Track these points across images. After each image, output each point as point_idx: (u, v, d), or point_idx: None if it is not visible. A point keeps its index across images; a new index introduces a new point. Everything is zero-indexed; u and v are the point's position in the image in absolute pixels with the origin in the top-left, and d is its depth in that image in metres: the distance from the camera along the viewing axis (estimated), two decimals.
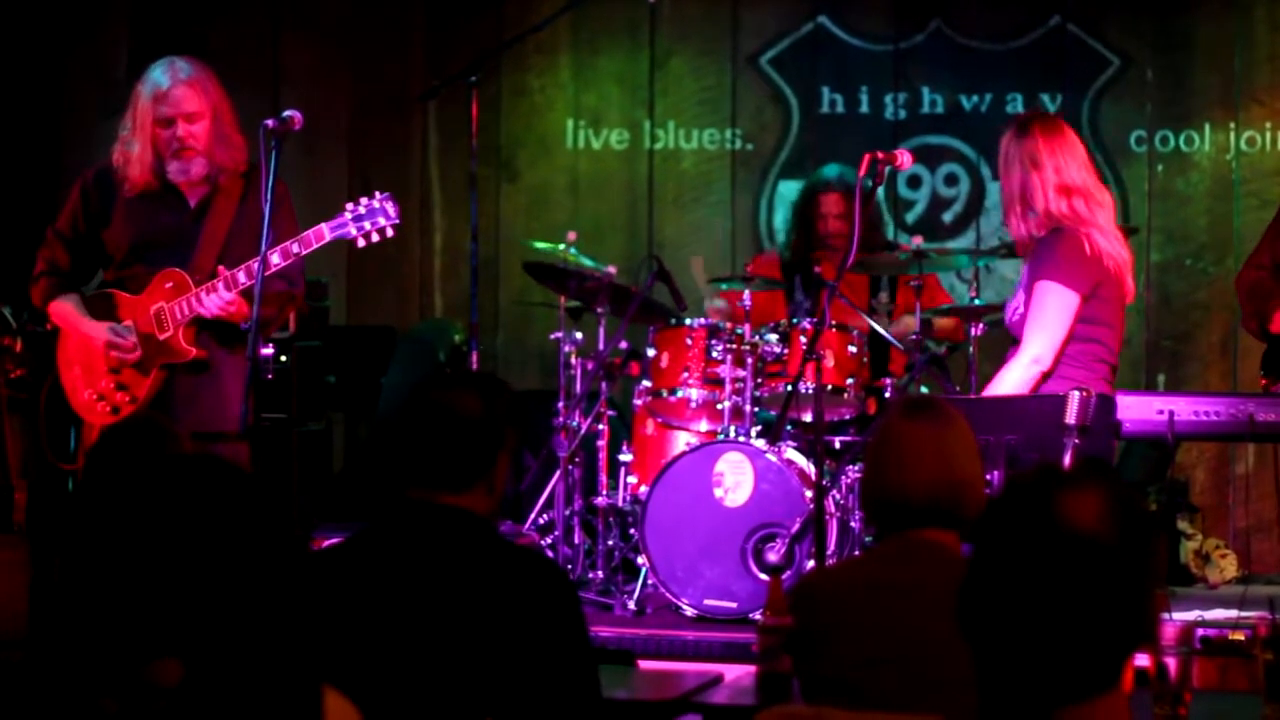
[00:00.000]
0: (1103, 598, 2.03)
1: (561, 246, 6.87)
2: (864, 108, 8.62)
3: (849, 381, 6.23)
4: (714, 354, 6.29)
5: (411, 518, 3.19)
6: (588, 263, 6.89)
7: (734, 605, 5.95)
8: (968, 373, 6.11)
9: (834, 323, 6.11)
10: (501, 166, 8.83)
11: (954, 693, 2.97)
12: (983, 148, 8.28)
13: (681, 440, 6.55)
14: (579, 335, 6.84)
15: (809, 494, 5.79)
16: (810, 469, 5.87)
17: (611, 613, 6.08)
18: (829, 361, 6.13)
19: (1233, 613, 5.55)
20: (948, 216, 8.55)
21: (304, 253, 5.38)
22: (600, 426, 6.65)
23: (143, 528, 2.11)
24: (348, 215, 5.43)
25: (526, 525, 6.67)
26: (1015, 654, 2.04)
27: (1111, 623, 2.04)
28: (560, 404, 6.74)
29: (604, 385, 6.67)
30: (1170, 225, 8.36)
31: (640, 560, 6.13)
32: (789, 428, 6.23)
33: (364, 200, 5.45)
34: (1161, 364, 8.31)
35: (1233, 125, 8.26)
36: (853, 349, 6.27)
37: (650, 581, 6.10)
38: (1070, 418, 5.02)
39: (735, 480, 6.02)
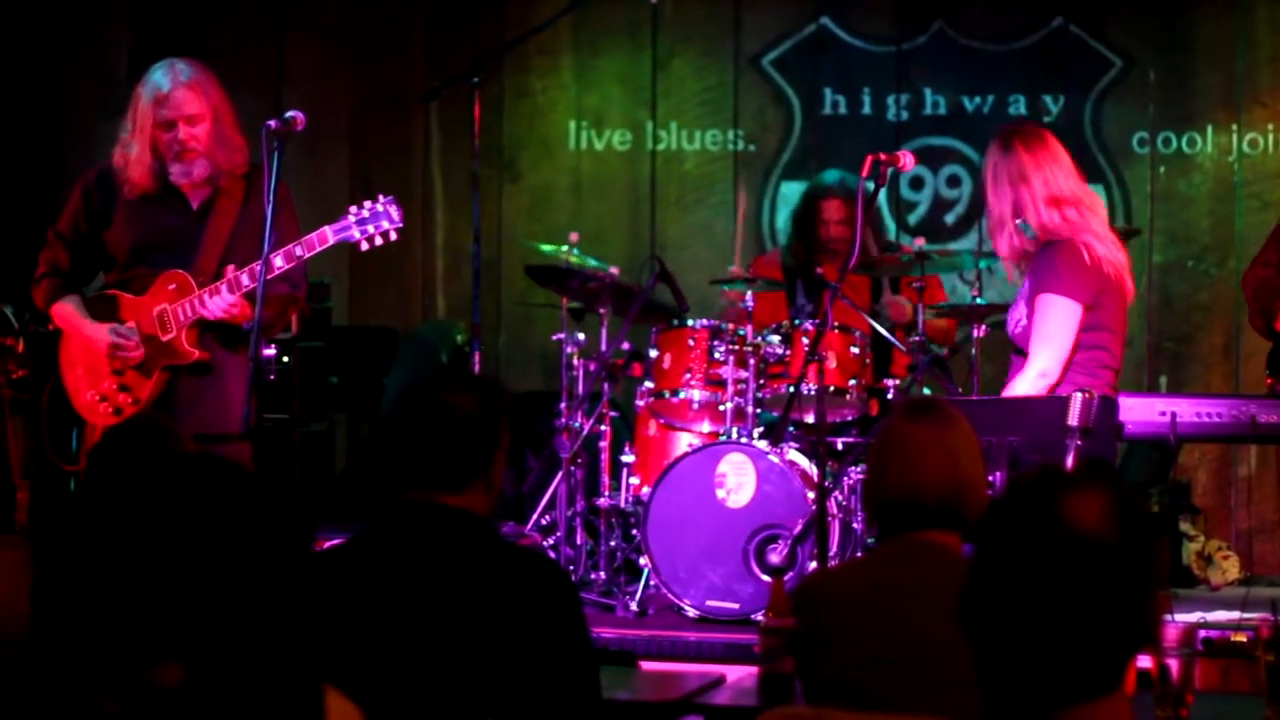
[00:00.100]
0: (1105, 599, 2.03)
1: (565, 248, 6.87)
2: (866, 109, 8.62)
3: (851, 383, 6.23)
4: (716, 355, 6.29)
5: (411, 519, 3.19)
6: (592, 262, 6.89)
7: (736, 606, 5.95)
8: (969, 374, 6.12)
9: (836, 324, 6.11)
10: (504, 167, 8.83)
11: (956, 694, 2.97)
12: (985, 149, 8.26)
13: (684, 441, 6.55)
14: (581, 336, 6.84)
15: (811, 495, 5.80)
16: (812, 470, 5.87)
17: (613, 614, 6.08)
18: (831, 363, 6.13)
19: (1235, 614, 5.55)
20: (950, 218, 8.55)
21: (307, 256, 5.38)
22: (602, 427, 6.65)
23: (145, 528, 2.11)
24: (351, 218, 5.42)
25: (529, 526, 6.67)
26: (1017, 655, 2.04)
27: (1113, 624, 2.04)
28: (562, 405, 6.74)
29: (606, 386, 6.66)
30: (1172, 227, 8.35)
31: (642, 561, 6.13)
32: (791, 429, 6.23)
33: (367, 203, 5.44)
34: (1163, 365, 8.31)
35: (1235, 127, 8.26)
36: (855, 350, 6.27)
37: (652, 582, 6.10)
38: (1072, 419, 5.03)
39: (737, 481, 6.02)
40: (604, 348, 6.71)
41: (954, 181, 8.53)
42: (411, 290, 8.92)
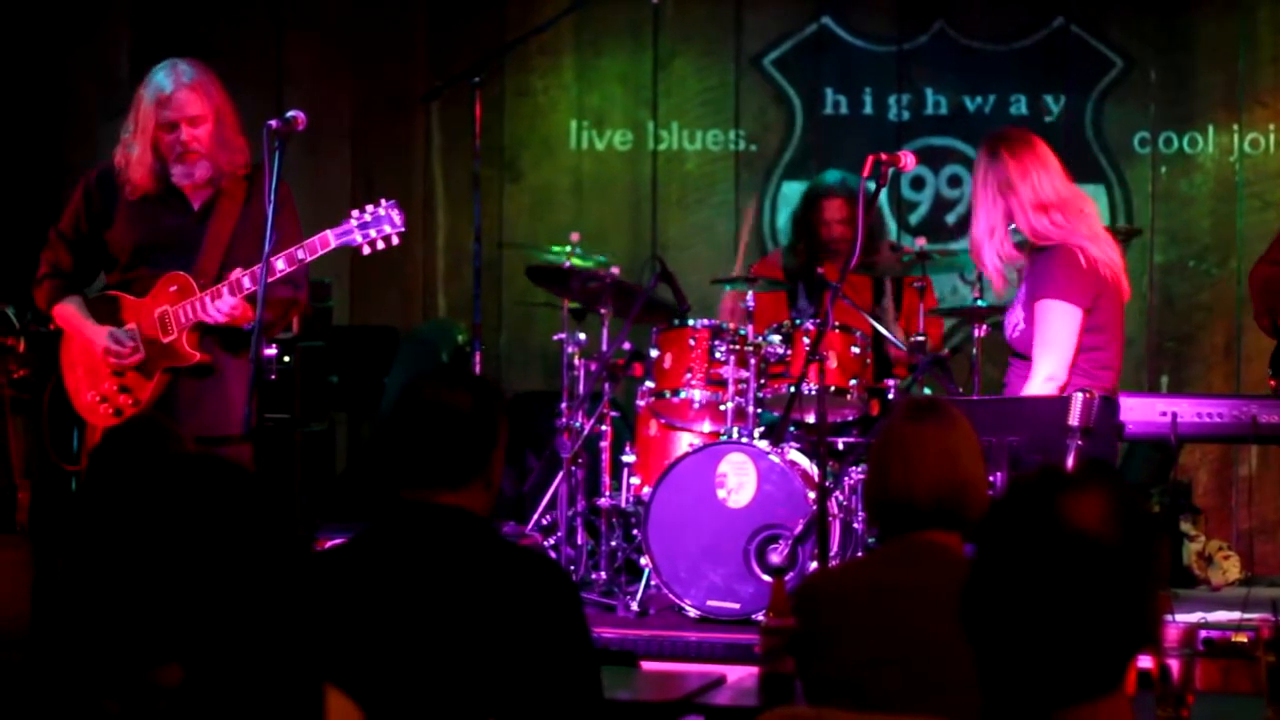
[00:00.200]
0: (1105, 599, 2.03)
1: (567, 249, 6.88)
2: (867, 109, 8.62)
3: (852, 383, 6.23)
4: (717, 355, 6.29)
5: (411, 518, 3.19)
6: (597, 260, 6.89)
7: (737, 606, 5.95)
8: (970, 374, 6.11)
9: (837, 324, 6.11)
10: (505, 167, 8.83)
11: (957, 694, 2.96)
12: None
13: (684, 441, 6.55)
14: (582, 336, 6.84)
15: (812, 495, 5.80)
16: (813, 470, 5.87)
17: (614, 614, 6.08)
18: (832, 363, 6.13)
19: (1235, 614, 5.55)
20: (951, 218, 8.54)
21: (309, 259, 5.38)
22: (603, 427, 6.65)
23: (145, 528, 2.11)
24: (353, 222, 5.42)
25: (529, 526, 6.67)
26: (1018, 655, 2.04)
27: (1114, 624, 2.04)
28: (563, 405, 6.74)
29: (607, 386, 6.67)
30: (1173, 227, 8.35)
31: (643, 561, 6.13)
32: (792, 429, 6.23)
33: (370, 207, 5.44)
34: (1164, 365, 8.31)
35: (1236, 127, 8.25)
36: (856, 350, 6.27)
37: (653, 582, 6.10)
38: (1073, 419, 5.03)
39: (738, 481, 6.02)
40: (605, 348, 6.71)
41: (955, 181, 8.52)
42: (412, 290, 8.92)
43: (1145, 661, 2.32)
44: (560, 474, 6.58)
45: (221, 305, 5.37)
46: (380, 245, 5.45)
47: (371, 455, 8.31)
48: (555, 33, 8.32)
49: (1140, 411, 5.55)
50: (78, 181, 5.73)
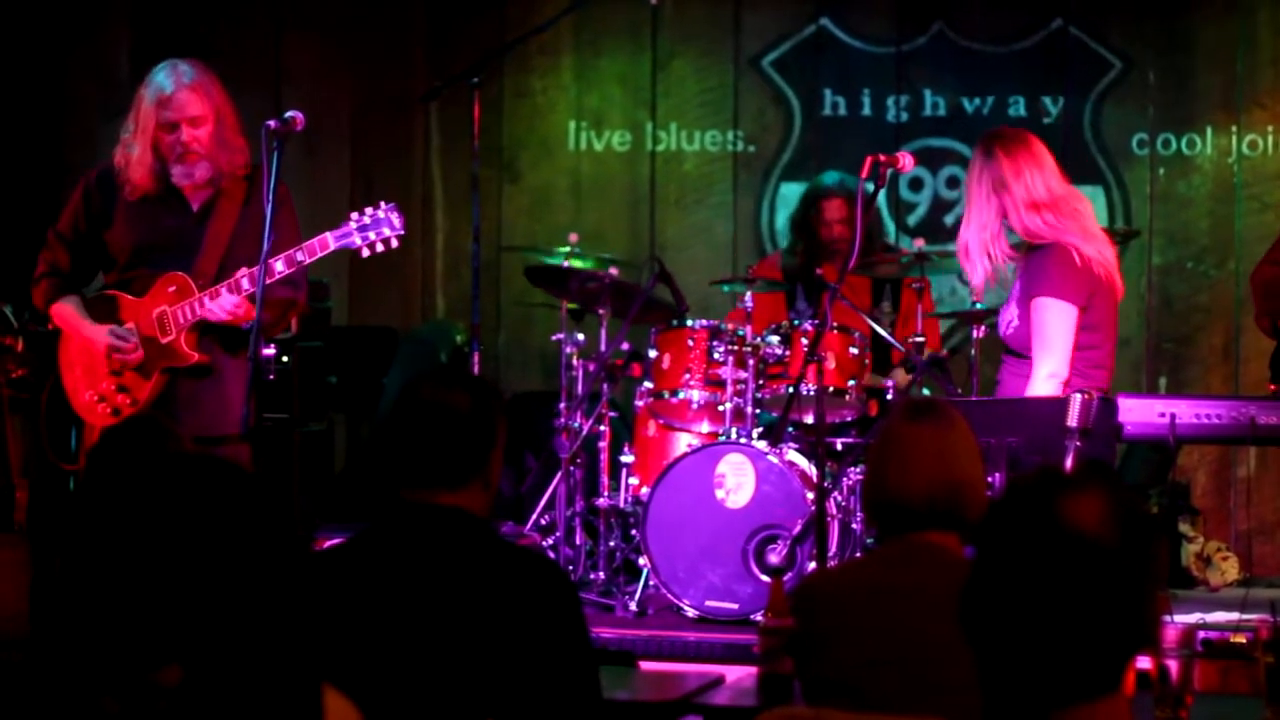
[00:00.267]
0: (1104, 600, 2.03)
1: (566, 249, 6.88)
2: (866, 110, 8.62)
3: (850, 383, 6.23)
4: (715, 355, 6.30)
5: (410, 519, 3.19)
6: (599, 257, 6.90)
7: (735, 607, 5.95)
8: (969, 375, 6.12)
9: (835, 324, 6.11)
10: (503, 168, 8.83)
11: (955, 695, 2.97)
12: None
13: (683, 442, 6.55)
14: (581, 336, 6.84)
15: (810, 496, 5.80)
16: (812, 471, 5.87)
17: (613, 614, 6.08)
18: (830, 363, 6.13)
19: (1234, 615, 5.55)
20: (949, 219, 8.54)
21: (308, 261, 5.38)
22: (602, 428, 6.65)
23: (143, 527, 2.11)
24: (352, 225, 5.42)
25: (528, 526, 6.67)
26: (1017, 656, 2.04)
27: (1113, 625, 2.04)
28: (562, 405, 6.74)
29: (605, 386, 6.67)
30: (1172, 228, 8.35)
31: (641, 561, 6.13)
32: (790, 429, 6.24)
33: (369, 210, 5.44)
34: (1163, 367, 8.31)
35: (1234, 128, 8.26)
36: (854, 351, 6.27)
37: (651, 583, 6.10)
38: (1072, 420, 5.03)
39: (737, 482, 6.02)
40: (603, 348, 6.71)
41: (953, 183, 8.52)
42: (411, 290, 8.92)
43: (1144, 662, 2.33)
44: (559, 474, 6.58)
45: (223, 303, 5.37)
46: (379, 248, 5.45)
47: (370, 455, 8.31)
48: (554, 33, 8.32)
49: (1139, 412, 5.55)
50: (77, 181, 5.73)
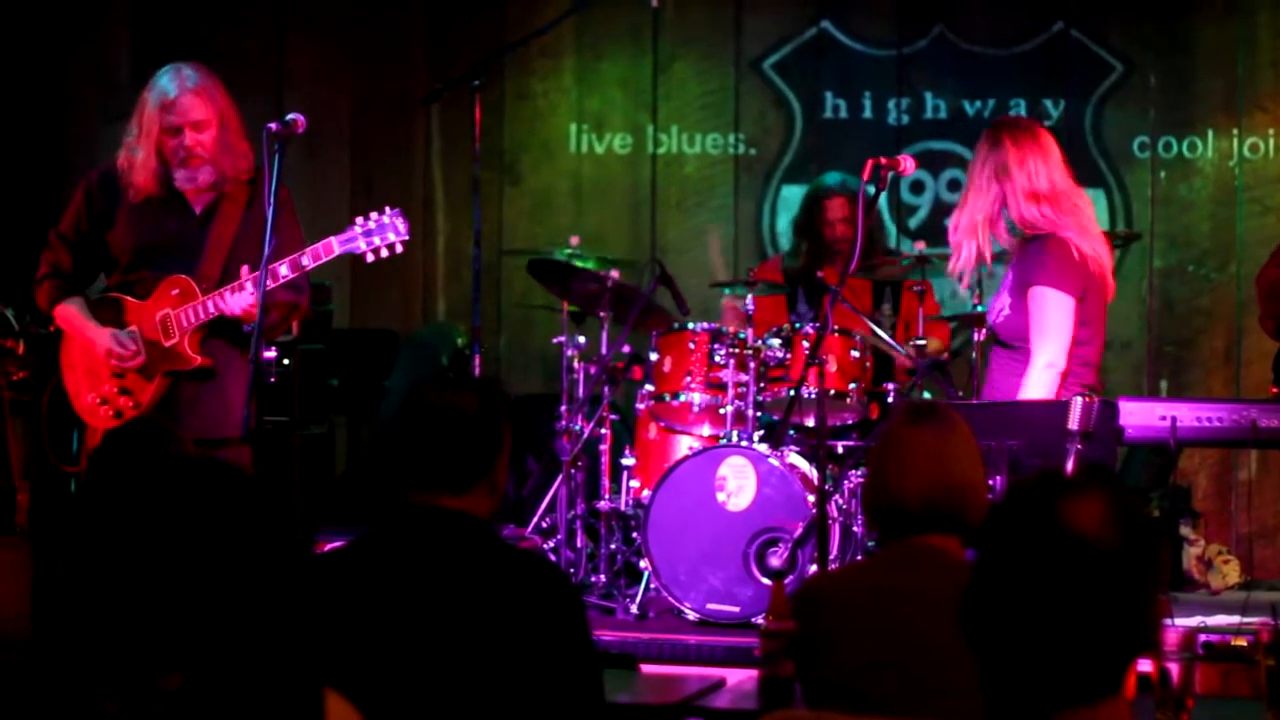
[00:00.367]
0: (1105, 603, 2.03)
1: (567, 252, 6.88)
2: (867, 113, 8.62)
3: (851, 386, 6.23)
4: (717, 358, 6.30)
5: (413, 522, 3.19)
6: (600, 257, 6.90)
7: (736, 610, 5.95)
8: (970, 378, 6.11)
9: (836, 327, 6.11)
10: (504, 170, 8.83)
11: (955, 698, 2.97)
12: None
13: (684, 444, 6.55)
14: (581, 339, 6.84)
15: (811, 499, 5.80)
16: (813, 474, 5.87)
17: (614, 617, 6.08)
18: (831, 366, 6.13)
19: (1235, 618, 5.55)
20: (950, 222, 8.54)
21: (312, 266, 5.39)
22: (603, 430, 6.65)
23: (144, 530, 2.11)
24: (357, 230, 5.43)
25: (529, 529, 6.67)
26: (1018, 659, 2.04)
27: (1114, 628, 2.04)
28: (563, 408, 6.74)
29: (606, 389, 6.67)
30: (1173, 231, 8.36)
31: (642, 564, 6.13)
32: (791, 432, 6.23)
33: (374, 215, 5.44)
34: (1164, 370, 8.31)
35: (1236, 131, 8.26)
36: (855, 354, 6.27)
37: (652, 585, 6.10)
38: (1073, 423, 5.03)
39: (738, 485, 6.02)
40: (604, 351, 6.71)
41: (954, 185, 8.52)
42: (412, 293, 8.92)
43: (1145, 665, 2.32)
44: (560, 477, 6.58)
45: (243, 298, 5.36)
46: (384, 253, 5.45)
47: (375, 458, 8.31)
48: (555, 36, 8.32)
49: (1140, 416, 5.55)
50: (78, 183, 5.73)
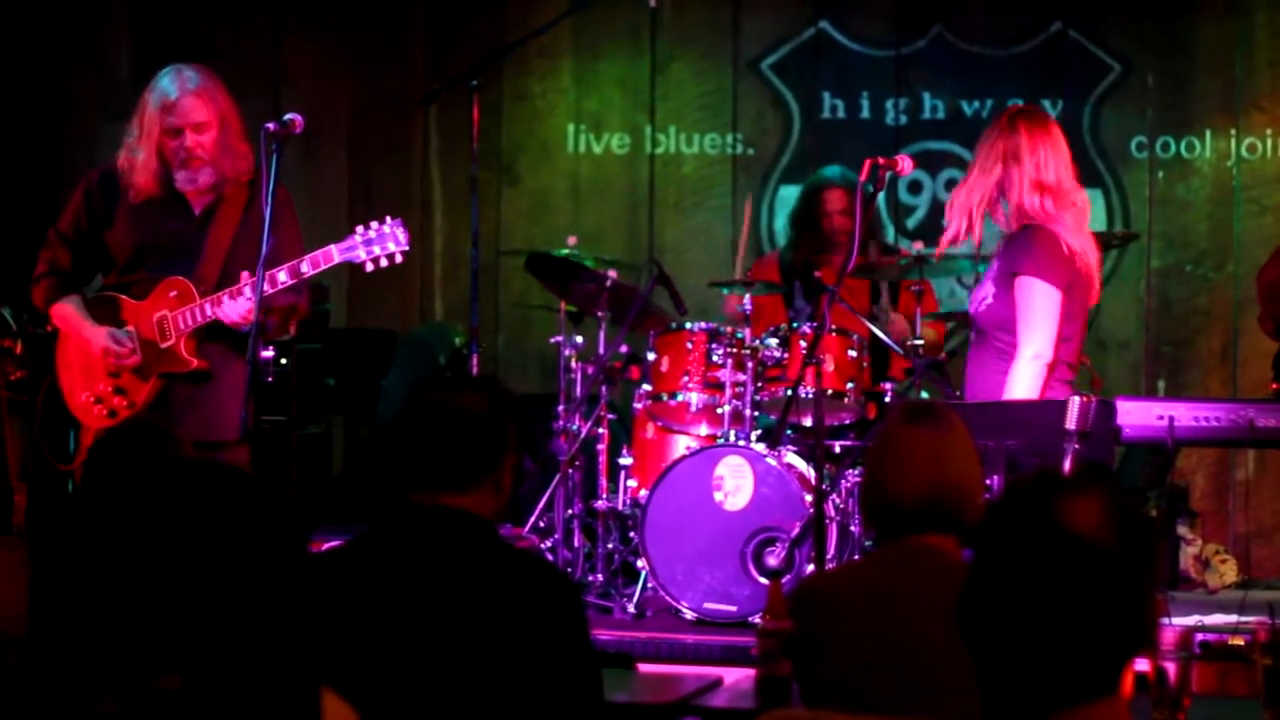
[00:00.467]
0: (1103, 603, 2.03)
1: (565, 252, 6.87)
2: (865, 113, 8.63)
3: (849, 386, 6.23)
4: (714, 358, 6.30)
5: (415, 521, 3.19)
6: (597, 258, 6.90)
7: (733, 609, 5.95)
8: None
9: (834, 327, 6.11)
10: (502, 170, 8.83)
11: (952, 698, 2.97)
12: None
13: (681, 444, 6.55)
14: (579, 339, 6.84)
15: (809, 498, 5.79)
16: (810, 473, 5.87)
17: (611, 616, 6.08)
18: (829, 366, 6.14)
19: (1232, 618, 5.55)
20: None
21: (311, 274, 5.39)
22: (600, 430, 6.65)
23: (142, 530, 2.11)
24: (357, 239, 5.44)
25: (526, 528, 6.67)
26: (1015, 658, 2.04)
27: (1111, 627, 2.04)
28: (560, 407, 6.74)
29: (604, 389, 6.67)
30: (1171, 231, 8.36)
31: (640, 564, 6.13)
32: (789, 432, 6.23)
33: (375, 224, 5.45)
34: (1161, 369, 8.32)
35: (1233, 131, 8.26)
36: (853, 353, 6.27)
37: (650, 585, 6.10)
38: (1070, 423, 5.02)
39: (735, 484, 6.02)
40: (602, 350, 6.71)
41: (953, 186, 8.50)
42: (410, 293, 8.92)
43: (1142, 664, 2.33)
44: (557, 476, 6.58)
45: (241, 305, 5.36)
46: (383, 263, 5.47)
47: (373, 457, 8.30)
48: (553, 36, 8.32)
49: (1137, 415, 5.54)
50: (78, 182, 5.73)
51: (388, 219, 5.46)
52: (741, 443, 6.10)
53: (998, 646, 2.05)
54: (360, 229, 5.44)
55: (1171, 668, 3.32)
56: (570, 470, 6.58)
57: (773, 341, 6.29)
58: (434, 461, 3.19)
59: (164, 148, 5.50)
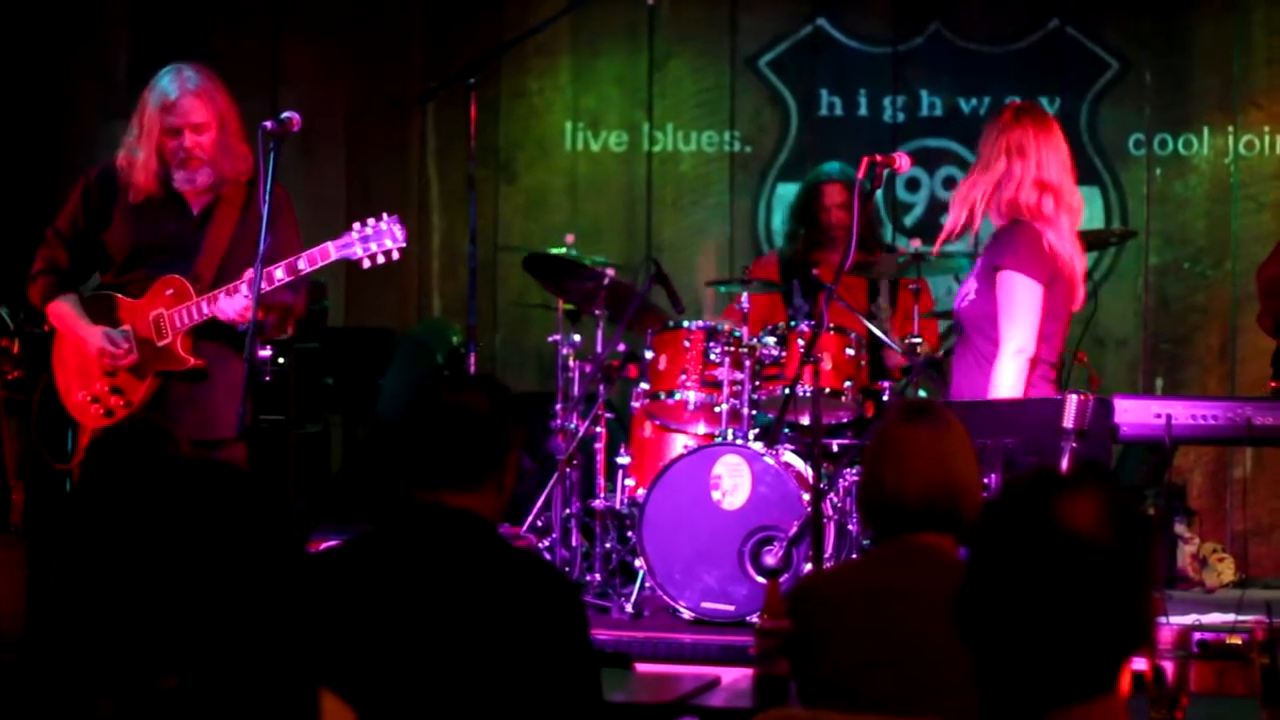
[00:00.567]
0: (1100, 601, 2.03)
1: (562, 250, 6.87)
2: (862, 110, 8.62)
3: (847, 384, 6.23)
4: (712, 357, 6.29)
5: (416, 520, 3.19)
6: (594, 260, 6.90)
7: (731, 608, 5.95)
8: None
9: (832, 326, 6.10)
10: (500, 168, 8.83)
11: (951, 696, 2.97)
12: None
13: (679, 443, 6.54)
14: (577, 337, 6.84)
15: (806, 497, 5.79)
16: (808, 472, 5.87)
17: (609, 615, 6.08)
18: (827, 364, 6.13)
19: (1230, 616, 5.55)
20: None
21: (308, 271, 5.39)
22: (598, 429, 6.64)
23: (140, 529, 2.11)
24: (354, 235, 5.43)
25: (524, 528, 6.66)
26: (1013, 657, 2.04)
27: (1109, 626, 2.04)
28: (558, 406, 6.74)
29: (602, 387, 6.66)
30: (1168, 229, 8.36)
31: (638, 563, 6.13)
32: (787, 430, 6.23)
33: (371, 221, 5.44)
34: (1159, 367, 8.32)
35: (1231, 129, 8.26)
36: (850, 352, 6.27)
37: (648, 584, 6.10)
38: (1068, 421, 5.02)
39: (733, 483, 6.01)
40: (600, 349, 6.71)
41: (950, 183, 8.51)
42: (408, 291, 8.92)
43: (1140, 663, 2.33)
44: (554, 476, 6.57)
45: (235, 303, 5.36)
46: (380, 260, 5.46)
47: (371, 456, 8.30)
48: (551, 34, 8.31)
49: (1135, 413, 5.54)
50: (77, 180, 5.73)
51: (384, 215, 5.46)
52: (739, 441, 6.09)
53: (995, 645, 2.05)
54: (357, 226, 5.44)
55: (1169, 666, 3.32)
56: (568, 469, 6.57)
57: (770, 340, 6.29)
58: (437, 460, 3.19)
59: (163, 147, 5.50)
